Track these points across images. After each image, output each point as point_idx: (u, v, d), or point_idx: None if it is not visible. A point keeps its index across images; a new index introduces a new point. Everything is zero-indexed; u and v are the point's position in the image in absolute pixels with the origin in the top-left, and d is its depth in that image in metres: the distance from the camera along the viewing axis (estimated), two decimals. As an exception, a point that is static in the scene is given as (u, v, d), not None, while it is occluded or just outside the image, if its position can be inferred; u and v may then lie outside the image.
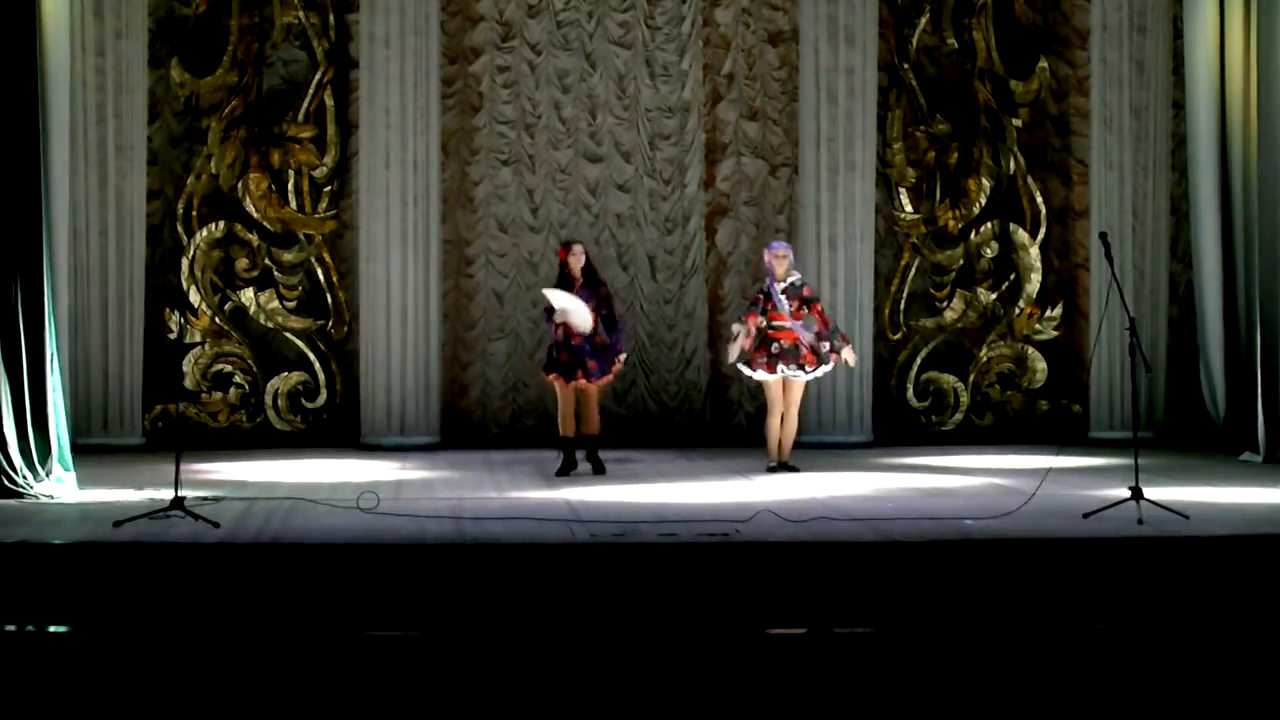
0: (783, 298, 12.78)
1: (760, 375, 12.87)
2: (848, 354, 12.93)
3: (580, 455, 12.91)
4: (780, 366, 12.74)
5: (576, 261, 12.77)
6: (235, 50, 15.39)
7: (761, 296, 12.87)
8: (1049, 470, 11.77)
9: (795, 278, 12.90)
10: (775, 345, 12.74)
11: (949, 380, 16.10)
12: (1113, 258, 11.27)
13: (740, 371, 13.25)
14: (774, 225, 15.96)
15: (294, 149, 15.51)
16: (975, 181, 16.11)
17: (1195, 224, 14.57)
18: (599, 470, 12.80)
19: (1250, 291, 13.79)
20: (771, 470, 12.90)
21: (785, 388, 12.84)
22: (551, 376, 12.85)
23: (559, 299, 12.65)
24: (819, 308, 12.96)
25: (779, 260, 12.84)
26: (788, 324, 12.74)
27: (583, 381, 12.69)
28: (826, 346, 12.83)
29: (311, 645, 7.91)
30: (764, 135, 15.98)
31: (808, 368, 12.77)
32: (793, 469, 12.92)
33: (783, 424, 12.96)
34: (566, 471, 12.74)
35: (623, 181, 15.79)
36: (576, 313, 12.60)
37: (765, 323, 12.81)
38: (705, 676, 7.55)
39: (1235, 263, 14.11)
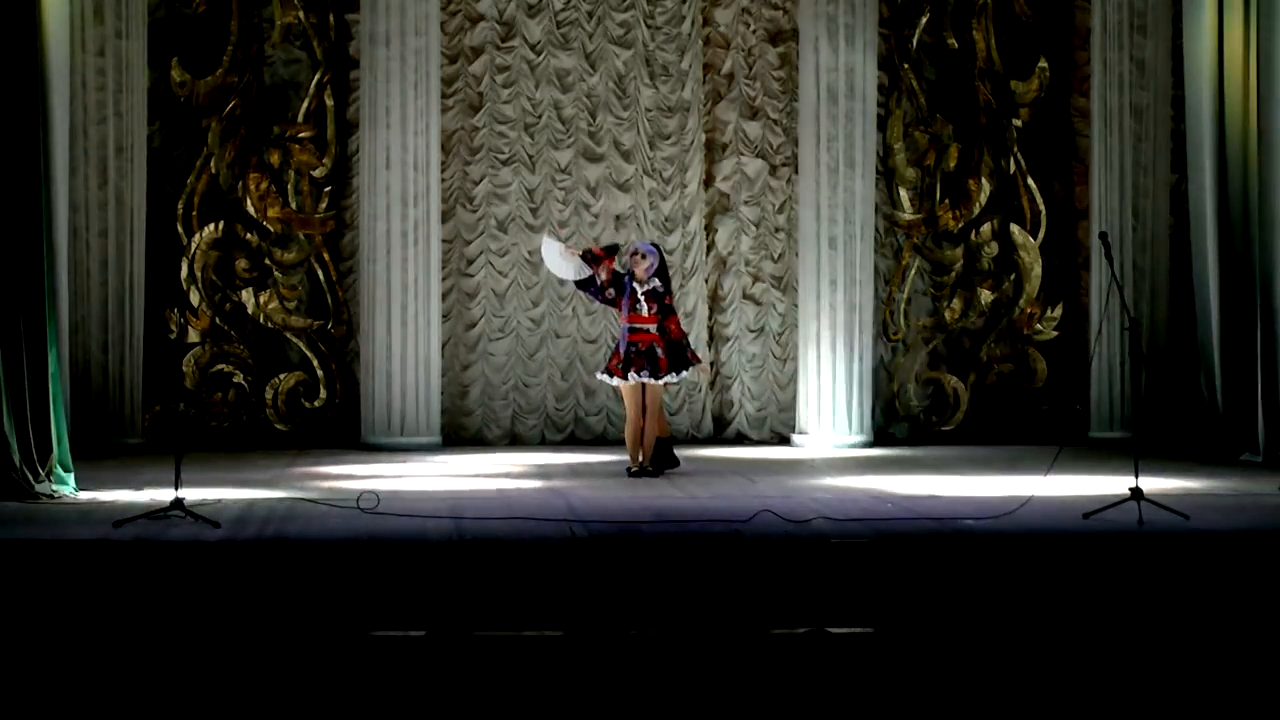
0: (642, 300, 12.70)
1: (614, 381, 12.75)
2: (701, 369, 12.83)
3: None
4: (632, 374, 12.56)
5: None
6: (235, 50, 15.39)
7: (628, 294, 12.68)
8: (1049, 469, 11.77)
9: (656, 284, 12.68)
10: (632, 348, 12.58)
11: (949, 380, 16.10)
12: (1113, 258, 11.27)
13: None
14: (774, 225, 15.98)
15: (294, 149, 15.51)
16: (975, 181, 16.12)
17: (1195, 224, 14.56)
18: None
19: (1250, 291, 13.79)
20: (633, 474, 12.70)
21: (644, 392, 12.58)
22: None
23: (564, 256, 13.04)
24: (676, 320, 12.74)
25: (638, 259, 12.67)
26: (646, 326, 12.67)
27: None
28: (685, 352, 12.74)
29: (311, 645, 7.91)
30: (764, 135, 15.98)
31: (660, 372, 12.59)
32: (653, 473, 12.74)
33: (644, 427, 12.72)
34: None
35: (623, 181, 15.79)
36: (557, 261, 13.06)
37: (626, 325, 12.69)
38: (705, 676, 7.55)
39: (1235, 262, 14.11)
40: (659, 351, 12.57)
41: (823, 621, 8.26)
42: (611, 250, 13.01)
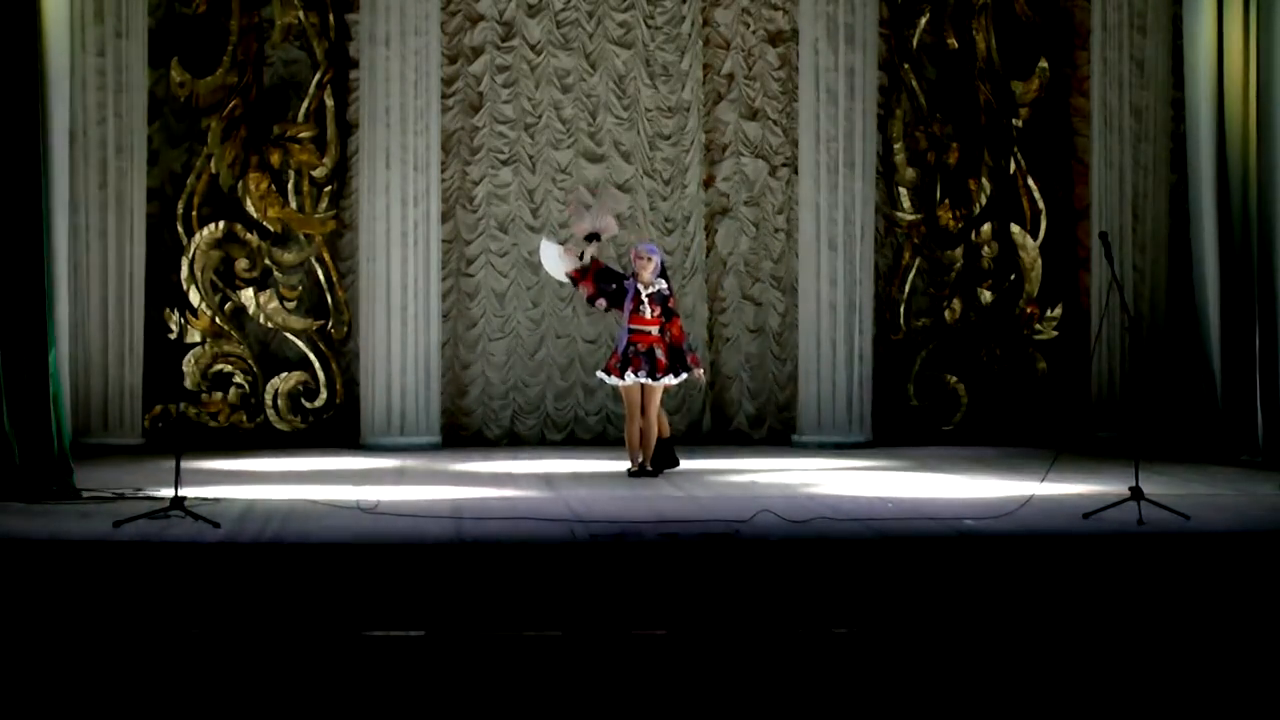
0: (646, 302, 12.69)
1: (613, 380, 12.78)
2: (696, 375, 12.86)
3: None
4: (630, 373, 12.56)
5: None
6: (235, 50, 15.39)
7: (632, 295, 12.67)
8: (1049, 470, 11.77)
9: (661, 285, 12.70)
10: (632, 349, 12.58)
11: (949, 380, 16.10)
12: (1113, 258, 11.26)
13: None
14: (774, 225, 15.97)
15: (294, 149, 15.51)
16: (975, 181, 16.12)
17: (1195, 224, 14.57)
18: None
19: (1250, 291, 13.80)
20: (633, 475, 12.70)
21: (644, 392, 12.62)
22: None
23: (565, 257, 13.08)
24: (678, 323, 12.74)
25: (644, 263, 12.67)
26: (649, 328, 12.67)
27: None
28: (685, 354, 12.76)
29: (311, 645, 7.91)
30: (764, 135, 15.98)
31: (659, 374, 12.60)
32: (653, 473, 12.74)
33: (643, 427, 12.72)
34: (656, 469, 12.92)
35: (623, 181, 15.79)
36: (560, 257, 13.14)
37: (628, 324, 12.69)
38: (704, 676, 7.55)
39: (1235, 262, 14.11)
40: (658, 353, 12.58)
41: (823, 621, 8.26)
42: (592, 237, 13.00)
